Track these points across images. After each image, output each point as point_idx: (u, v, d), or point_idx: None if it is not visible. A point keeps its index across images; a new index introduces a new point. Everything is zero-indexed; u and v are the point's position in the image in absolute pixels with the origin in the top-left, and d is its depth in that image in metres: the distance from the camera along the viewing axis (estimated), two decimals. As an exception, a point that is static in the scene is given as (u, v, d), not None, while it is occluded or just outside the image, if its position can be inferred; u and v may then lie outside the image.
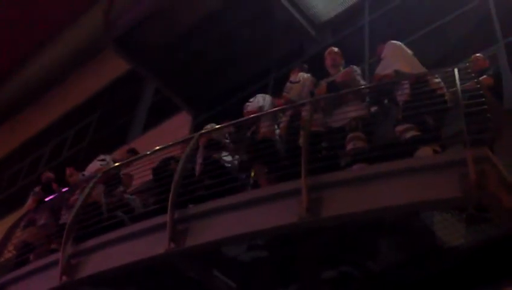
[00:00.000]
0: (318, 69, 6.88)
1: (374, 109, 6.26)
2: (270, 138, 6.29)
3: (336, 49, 6.74)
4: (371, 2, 9.80)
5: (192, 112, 11.37)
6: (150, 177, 7.29)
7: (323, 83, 6.45)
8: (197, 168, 6.58)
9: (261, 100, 6.98)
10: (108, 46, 11.53)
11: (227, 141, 6.72)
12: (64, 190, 7.83)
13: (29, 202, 8.39)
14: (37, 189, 8.61)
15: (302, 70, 6.97)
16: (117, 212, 6.76)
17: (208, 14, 10.16)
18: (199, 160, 6.61)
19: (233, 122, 6.53)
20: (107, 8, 11.46)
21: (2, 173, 16.67)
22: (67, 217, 6.90)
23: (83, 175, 7.97)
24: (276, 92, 7.41)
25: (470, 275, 5.39)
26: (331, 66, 6.59)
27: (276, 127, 6.55)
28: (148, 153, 7.17)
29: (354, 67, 6.54)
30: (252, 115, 6.76)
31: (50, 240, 7.35)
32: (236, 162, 6.65)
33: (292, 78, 6.82)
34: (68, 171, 8.50)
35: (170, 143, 7.23)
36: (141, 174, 7.21)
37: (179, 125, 11.25)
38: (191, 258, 5.83)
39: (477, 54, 6.51)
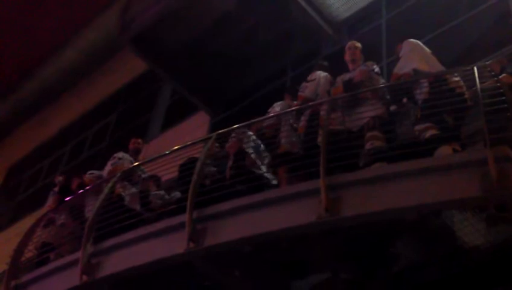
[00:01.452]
0: (335, 68, 6.87)
1: (392, 108, 6.23)
2: (290, 152, 6.26)
3: (356, 44, 6.71)
4: (388, 0, 9.75)
5: (210, 112, 11.40)
6: (168, 176, 7.35)
7: (340, 82, 6.43)
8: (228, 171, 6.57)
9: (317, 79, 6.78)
10: (126, 46, 11.60)
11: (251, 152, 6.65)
12: (82, 190, 7.90)
13: (50, 202, 8.49)
14: (56, 189, 8.71)
15: (321, 69, 6.95)
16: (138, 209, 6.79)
17: (224, 14, 10.18)
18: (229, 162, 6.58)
19: (250, 122, 6.53)
20: (124, 8, 11.53)
21: (22, 172, 16.84)
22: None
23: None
24: (293, 91, 7.40)
25: (490, 275, 5.35)
26: (350, 61, 6.57)
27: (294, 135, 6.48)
28: (167, 152, 7.21)
29: (371, 64, 6.52)
30: (269, 116, 6.77)
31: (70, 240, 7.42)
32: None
33: (309, 77, 6.81)
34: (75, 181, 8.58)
35: (189, 143, 7.27)
36: (160, 174, 7.25)
37: (196, 125, 11.28)
38: (210, 258, 5.85)
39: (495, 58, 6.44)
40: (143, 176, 7.59)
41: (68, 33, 16.03)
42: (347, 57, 6.63)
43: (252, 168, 6.38)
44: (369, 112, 5.83)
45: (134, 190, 7.31)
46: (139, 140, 8.44)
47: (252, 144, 6.68)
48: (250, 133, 6.74)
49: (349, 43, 6.78)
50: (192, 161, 6.71)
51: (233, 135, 6.66)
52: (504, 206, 4.95)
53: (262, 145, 6.75)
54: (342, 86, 6.34)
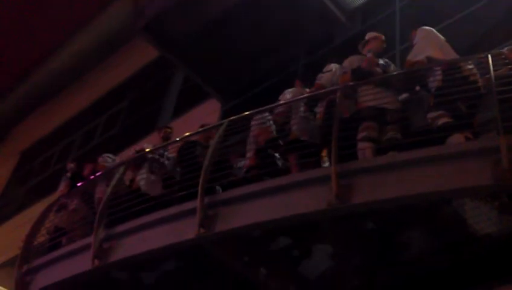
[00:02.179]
0: (347, 56, 6.82)
1: (403, 96, 6.17)
2: (299, 138, 6.25)
3: (381, 37, 6.60)
4: (402, -13, 9.67)
5: (221, 99, 11.40)
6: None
7: (348, 68, 6.37)
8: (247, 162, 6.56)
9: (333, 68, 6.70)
10: (138, 34, 11.61)
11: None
12: (94, 176, 7.95)
13: (62, 187, 8.55)
14: (68, 174, 8.77)
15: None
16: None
17: (236, 2, 10.14)
18: (250, 153, 6.58)
19: (262, 108, 6.52)
20: (137, -5, 11.53)
21: (34, 158, 16.95)
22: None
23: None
24: (305, 79, 7.38)
25: (502, 263, 5.33)
26: (367, 52, 6.48)
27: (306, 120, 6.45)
28: (178, 139, 7.24)
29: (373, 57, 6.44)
30: (282, 102, 6.75)
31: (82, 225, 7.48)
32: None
33: (325, 68, 6.77)
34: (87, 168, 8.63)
35: (200, 129, 7.29)
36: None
37: (207, 112, 11.28)
38: (221, 244, 5.87)
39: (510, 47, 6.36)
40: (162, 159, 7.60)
41: (82, 20, 16.05)
42: (365, 47, 6.51)
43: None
44: (369, 101, 5.79)
45: (150, 176, 7.33)
46: (169, 129, 8.46)
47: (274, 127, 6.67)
48: (269, 116, 6.72)
49: (373, 34, 6.64)
50: (191, 145, 6.73)
51: (253, 122, 6.61)
52: (516, 195, 4.92)
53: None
54: (350, 73, 6.27)
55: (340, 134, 5.36)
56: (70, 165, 9.07)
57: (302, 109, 6.51)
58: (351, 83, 6.09)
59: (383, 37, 6.58)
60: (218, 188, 6.25)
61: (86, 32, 16.29)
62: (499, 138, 4.66)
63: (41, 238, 7.69)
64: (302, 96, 6.60)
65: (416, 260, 5.66)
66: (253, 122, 6.60)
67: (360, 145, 5.58)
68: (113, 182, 6.88)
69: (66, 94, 17.41)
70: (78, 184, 7.98)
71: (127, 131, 13.65)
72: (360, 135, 5.66)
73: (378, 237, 5.69)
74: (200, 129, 7.31)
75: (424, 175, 4.88)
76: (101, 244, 6.42)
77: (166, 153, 7.52)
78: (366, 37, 6.59)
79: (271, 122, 6.67)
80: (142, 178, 7.24)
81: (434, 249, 5.60)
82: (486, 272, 5.37)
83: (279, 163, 6.36)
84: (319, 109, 6.28)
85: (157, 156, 7.50)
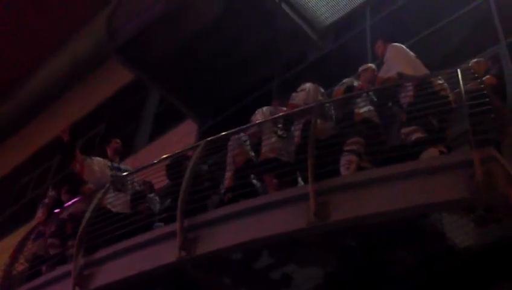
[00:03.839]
0: (320, 75, 6.91)
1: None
2: (270, 158, 6.29)
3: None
4: (372, 5, 9.83)
5: (198, 120, 11.41)
6: (158, 185, 7.38)
7: (341, 87, 6.46)
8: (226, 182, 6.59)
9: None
10: (111, 55, 11.59)
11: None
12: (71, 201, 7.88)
13: (39, 214, 8.46)
14: (46, 200, 8.67)
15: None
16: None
17: (210, 22, 10.20)
18: (228, 173, 6.61)
19: (238, 129, 6.56)
20: (110, 17, 11.51)
21: (11, 186, 16.73)
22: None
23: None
24: (279, 98, 7.45)
25: (481, 275, 5.40)
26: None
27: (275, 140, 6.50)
28: (155, 161, 7.23)
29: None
30: (255, 122, 6.80)
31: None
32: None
33: (299, 88, 6.84)
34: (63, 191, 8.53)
35: (178, 151, 7.29)
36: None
37: (185, 134, 11.28)
38: (202, 266, 5.87)
39: (478, 59, 6.51)
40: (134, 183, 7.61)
41: (54, 44, 15.99)
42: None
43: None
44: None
45: (124, 197, 7.30)
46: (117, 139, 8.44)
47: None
48: (245, 137, 6.76)
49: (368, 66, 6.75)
50: (180, 161, 6.74)
51: (230, 142, 6.65)
52: (492, 207, 4.99)
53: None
54: (343, 91, 6.38)
55: (316, 152, 5.42)
56: (51, 193, 8.95)
57: (275, 128, 6.57)
58: (323, 101, 6.17)
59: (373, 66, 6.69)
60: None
61: (59, 55, 16.22)
62: (471, 152, 4.74)
63: (21, 267, 7.60)
64: (274, 116, 6.66)
65: (398, 276, 5.70)
66: (230, 143, 6.64)
67: (347, 157, 5.62)
68: (91, 207, 6.83)
69: (40, 120, 17.25)
70: (55, 211, 7.90)
71: (103, 156, 13.54)
72: (348, 148, 5.71)
73: (359, 254, 5.72)
74: (177, 151, 7.31)
75: (399, 190, 4.94)
76: (80, 271, 6.37)
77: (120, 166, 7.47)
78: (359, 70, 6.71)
79: (247, 142, 6.72)
80: (112, 200, 7.18)
81: (415, 264, 5.65)
82: (465, 285, 5.43)
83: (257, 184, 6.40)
84: (296, 132, 6.33)
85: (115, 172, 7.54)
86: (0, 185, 17.36)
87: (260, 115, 6.98)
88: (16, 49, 16.48)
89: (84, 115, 15.60)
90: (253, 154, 6.65)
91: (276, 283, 6.15)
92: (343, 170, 5.61)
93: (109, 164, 7.95)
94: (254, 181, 6.46)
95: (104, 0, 14.02)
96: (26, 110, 17.37)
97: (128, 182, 7.63)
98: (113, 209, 6.96)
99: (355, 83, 6.47)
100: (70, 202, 7.81)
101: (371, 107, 5.99)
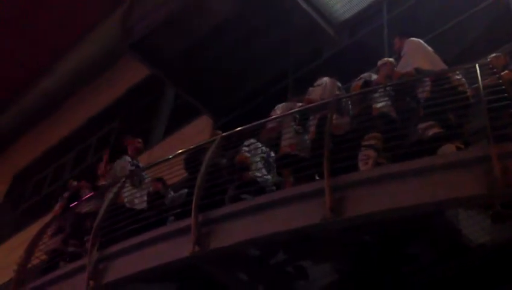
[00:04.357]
0: (336, 70, 6.87)
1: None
2: (290, 154, 6.27)
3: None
4: (388, 0, 9.76)
5: (213, 116, 11.41)
6: (172, 180, 7.38)
7: (359, 82, 6.41)
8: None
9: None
10: (126, 52, 11.62)
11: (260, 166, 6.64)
12: (88, 195, 7.93)
13: (56, 208, 8.51)
14: (65, 195, 8.70)
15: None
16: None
17: (226, 18, 10.19)
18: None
19: (252, 124, 6.53)
20: (125, 15, 11.55)
21: (27, 181, 16.87)
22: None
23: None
24: (295, 93, 7.42)
25: (496, 272, 5.34)
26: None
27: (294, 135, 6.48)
28: (170, 157, 7.23)
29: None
30: (272, 117, 6.77)
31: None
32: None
33: (316, 82, 6.81)
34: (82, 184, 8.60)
35: (192, 147, 7.28)
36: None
37: (199, 130, 11.28)
38: (216, 261, 5.86)
39: (496, 54, 6.42)
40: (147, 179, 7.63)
41: (70, 40, 16.09)
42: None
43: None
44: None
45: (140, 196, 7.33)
46: (139, 139, 8.48)
47: (260, 155, 6.67)
48: (258, 144, 6.72)
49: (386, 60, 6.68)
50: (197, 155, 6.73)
51: (243, 147, 6.64)
52: (509, 203, 4.93)
53: (272, 153, 6.75)
54: (360, 86, 6.34)
55: (332, 147, 5.38)
56: (73, 183, 8.99)
57: (293, 123, 6.54)
58: (340, 96, 6.13)
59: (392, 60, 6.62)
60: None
61: (76, 53, 16.32)
62: (489, 147, 4.68)
63: (36, 260, 7.64)
64: (291, 111, 6.62)
65: (413, 272, 5.66)
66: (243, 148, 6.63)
67: (365, 151, 5.58)
68: (106, 202, 6.85)
69: (57, 116, 17.36)
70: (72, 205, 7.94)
71: (119, 151, 13.59)
72: (367, 143, 5.67)
73: (375, 250, 5.68)
74: (192, 147, 7.30)
75: (416, 186, 4.89)
76: (95, 265, 6.39)
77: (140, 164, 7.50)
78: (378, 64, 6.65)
79: (258, 144, 6.69)
80: (129, 194, 7.19)
81: (430, 261, 5.59)
82: (481, 282, 5.37)
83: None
84: (311, 127, 6.29)
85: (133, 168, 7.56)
86: (17, 180, 17.51)
87: (280, 110, 6.96)
88: (29, 49, 16.63)
89: (99, 112, 15.67)
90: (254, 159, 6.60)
91: (291, 279, 6.12)
92: (361, 165, 5.56)
93: (129, 159, 7.98)
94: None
95: (112, 4, 14.11)
96: (41, 108, 17.51)
97: (146, 179, 7.65)
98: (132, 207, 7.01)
99: (373, 78, 6.42)
100: (87, 196, 7.87)
101: (389, 102, 5.93)
